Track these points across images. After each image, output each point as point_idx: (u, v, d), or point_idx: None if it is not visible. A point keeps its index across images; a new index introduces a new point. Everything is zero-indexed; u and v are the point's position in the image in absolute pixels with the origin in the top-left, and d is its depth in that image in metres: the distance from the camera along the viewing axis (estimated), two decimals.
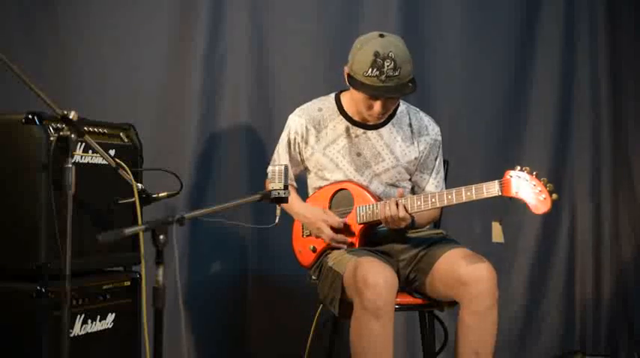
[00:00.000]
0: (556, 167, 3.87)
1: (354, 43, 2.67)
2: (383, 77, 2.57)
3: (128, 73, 3.39)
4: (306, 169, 2.90)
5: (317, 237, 2.80)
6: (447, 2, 3.80)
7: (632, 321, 3.88)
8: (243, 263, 3.55)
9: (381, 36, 2.63)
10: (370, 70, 2.57)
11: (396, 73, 2.57)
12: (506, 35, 3.86)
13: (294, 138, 2.85)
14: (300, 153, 2.87)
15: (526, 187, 2.41)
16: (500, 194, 2.44)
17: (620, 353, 3.87)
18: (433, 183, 2.84)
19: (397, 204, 2.59)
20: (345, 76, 2.68)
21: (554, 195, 2.40)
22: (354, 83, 2.64)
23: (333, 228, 2.75)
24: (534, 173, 2.42)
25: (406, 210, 2.59)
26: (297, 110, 2.87)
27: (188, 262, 3.43)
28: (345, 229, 2.76)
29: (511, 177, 2.43)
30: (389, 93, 2.61)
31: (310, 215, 2.80)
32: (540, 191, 2.40)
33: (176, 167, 2.97)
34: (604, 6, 3.92)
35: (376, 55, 2.56)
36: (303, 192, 2.95)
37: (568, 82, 3.92)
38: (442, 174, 2.89)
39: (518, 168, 2.43)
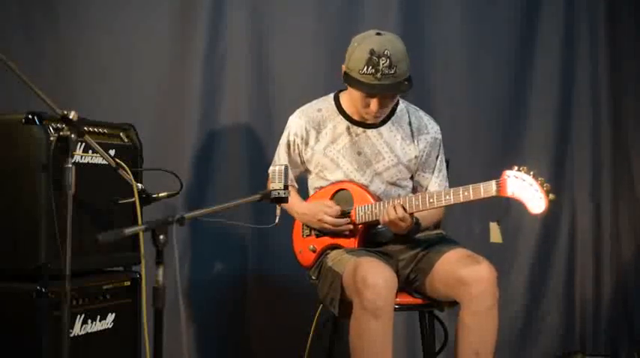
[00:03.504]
0: (556, 167, 3.88)
1: (352, 40, 2.67)
2: (378, 75, 2.56)
3: (128, 73, 3.39)
4: (307, 171, 2.91)
5: (322, 230, 2.80)
6: (447, 2, 3.80)
7: (632, 321, 3.88)
8: (243, 263, 3.55)
9: (378, 34, 2.63)
10: (366, 67, 2.57)
11: (392, 71, 2.57)
12: (506, 35, 3.86)
13: (294, 140, 2.85)
14: (299, 155, 2.87)
15: (523, 187, 2.40)
16: (497, 194, 2.44)
17: (620, 353, 3.87)
18: (436, 181, 2.84)
19: (394, 207, 2.59)
20: (342, 74, 2.68)
21: (551, 196, 2.39)
22: (350, 81, 2.64)
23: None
24: (532, 173, 2.41)
25: (404, 210, 2.59)
26: (297, 112, 2.87)
27: (188, 262, 3.43)
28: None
29: (508, 177, 2.42)
30: (384, 90, 2.61)
31: (309, 211, 2.81)
32: (537, 191, 2.39)
33: (176, 167, 2.97)
34: (604, 6, 3.92)
35: (372, 52, 2.56)
36: (303, 193, 2.95)
37: (568, 81, 3.92)
38: (445, 172, 2.89)
39: (516, 168, 2.42)
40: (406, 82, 2.62)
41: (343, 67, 2.67)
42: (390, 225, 2.62)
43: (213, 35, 3.47)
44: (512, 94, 3.88)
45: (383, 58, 2.56)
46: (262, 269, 3.55)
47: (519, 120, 3.89)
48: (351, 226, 2.74)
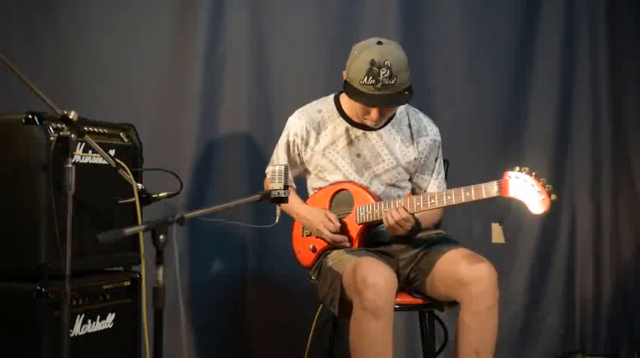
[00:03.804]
0: (556, 167, 3.87)
1: (353, 48, 2.66)
2: (379, 86, 2.55)
3: (128, 73, 3.39)
4: (306, 171, 2.91)
5: (317, 237, 2.80)
6: (447, 2, 3.80)
7: (632, 321, 3.88)
8: (243, 263, 3.55)
9: (379, 43, 2.61)
10: (366, 78, 2.56)
11: (392, 82, 2.56)
12: (506, 35, 3.86)
13: (294, 140, 2.85)
14: (299, 155, 2.87)
15: (525, 188, 2.41)
16: (499, 195, 2.44)
17: (620, 353, 3.87)
18: (435, 183, 2.84)
19: (397, 210, 2.59)
20: (343, 83, 2.67)
21: (553, 196, 2.40)
22: (351, 91, 2.63)
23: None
24: (533, 173, 2.41)
25: (406, 210, 2.59)
26: (297, 112, 2.87)
27: (188, 262, 3.43)
28: (345, 230, 2.76)
29: (510, 177, 2.43)
30: (384, 102, 2.61)
31: (310, 216, 2.80)
32: (539, 192, 2.39)
33: (176, 167, 2.96)
34: (604, 6, 3.92)
35: (372, 63, 2.55)
36: (303, 193, 2.95)
37: (568, 82, 3.92)
38: (443, 174, 2.89)
39: (517, 168, 2.43)
40: (406, 92, 2.61)
41: (344, 75, 2.67)
42: (394, 227, 2.61)
43: (213, 35, 3.47)
44: (512, 94, 3.87)
45: (383, 69, 2.54)
46: (262, 269, 3.55)
47: (519, 120, 3.88)
48: (349, 244, 2.74)
